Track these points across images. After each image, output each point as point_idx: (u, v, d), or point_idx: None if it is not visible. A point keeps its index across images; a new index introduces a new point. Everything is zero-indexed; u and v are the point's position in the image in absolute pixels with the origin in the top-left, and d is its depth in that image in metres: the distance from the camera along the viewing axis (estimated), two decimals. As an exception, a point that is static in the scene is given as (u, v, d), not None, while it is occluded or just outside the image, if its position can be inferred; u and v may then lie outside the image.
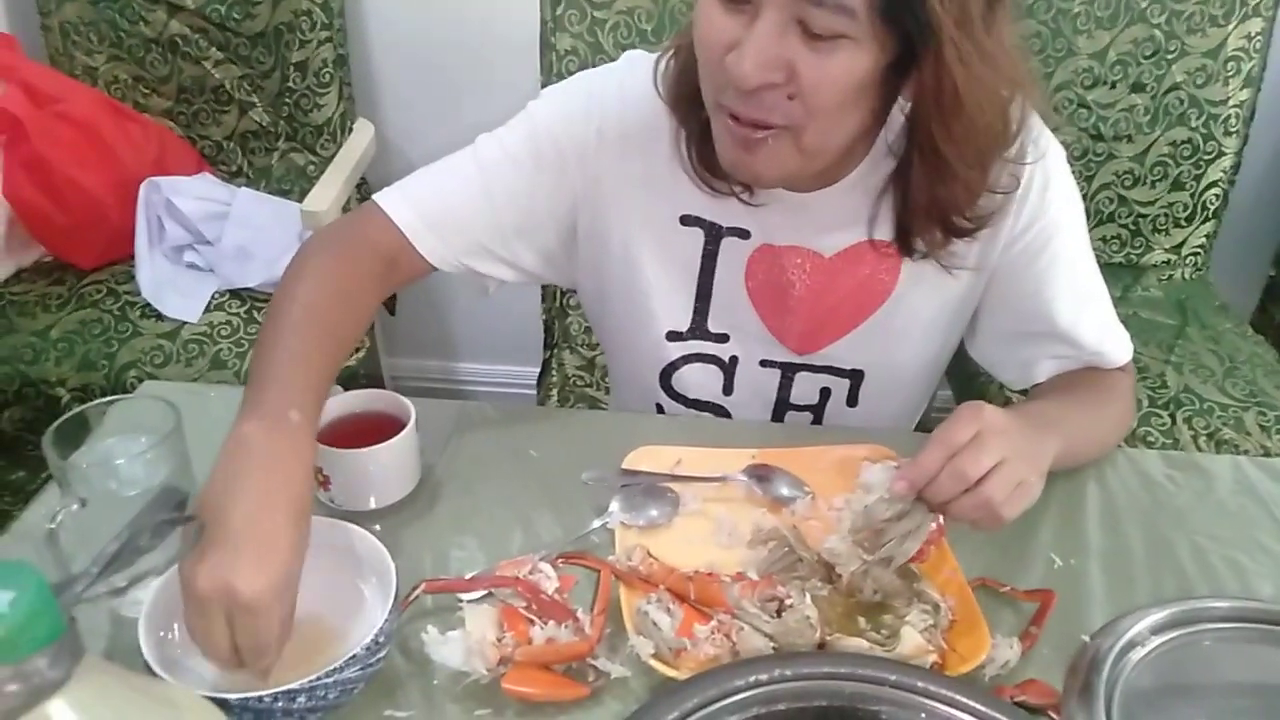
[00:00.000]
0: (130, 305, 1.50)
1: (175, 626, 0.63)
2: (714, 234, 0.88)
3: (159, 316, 1.49)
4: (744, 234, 0.87)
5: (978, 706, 0.56)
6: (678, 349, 0.94)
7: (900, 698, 0.57)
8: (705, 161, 0.83)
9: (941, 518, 0.69)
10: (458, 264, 0.88)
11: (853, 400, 0.96)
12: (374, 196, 0.87)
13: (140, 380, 1.41)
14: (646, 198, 0.87)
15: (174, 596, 0.59)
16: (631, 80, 0.85)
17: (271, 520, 0.60)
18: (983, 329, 0.94)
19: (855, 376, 0.94)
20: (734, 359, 0.94)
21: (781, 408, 0.97)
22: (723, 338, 0.93)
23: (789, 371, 0.94)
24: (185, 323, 1.48)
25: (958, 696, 0.57)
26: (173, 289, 1.53)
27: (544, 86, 1.42)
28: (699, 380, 0.95)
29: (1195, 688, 0.61)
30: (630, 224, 0.89)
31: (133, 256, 1.55)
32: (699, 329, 0.93)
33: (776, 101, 0.70)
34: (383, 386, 1.97)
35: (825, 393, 0.96)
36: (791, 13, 0.66)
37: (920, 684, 0.57)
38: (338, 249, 0.84)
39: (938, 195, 0.78)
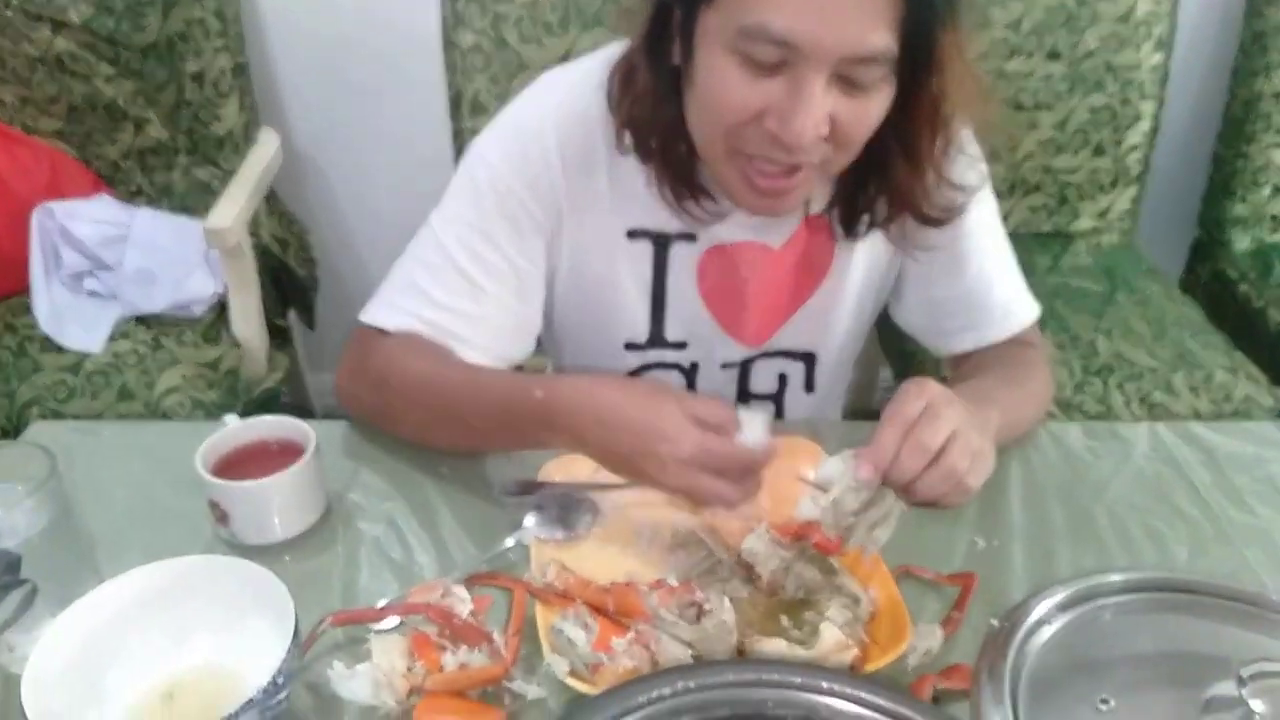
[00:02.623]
0: (29, 339, 1.43)
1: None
2: (661, 243, 0.88)
3: (60, 349, 1.42)
4: (690, 238, 0.87)
5: (882, 703, 0.55)
6: (637, 359, 0.94)
7: (806, 700, 0.56)
8: (677, 191, 0.83)
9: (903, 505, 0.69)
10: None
11: (810, 385, 0.98)
12: (365, 320, 0.86)
13: (44, 417, 1.34)
14: (592, 216, 0.86)
15: (60, 652, 0.56)
16: (557, 105, 0.83)
17: (620, 402, 0.70)
18: (907, 294, 0.96)
19: (808, 360, 0.96)
20: (694, 365, 0.95)
21: (744, 398, 0.98)
22: (680, 345, 0.94)
23: (746, 364, 0.96)
24: (89, 354, 1.42)
25: (862, 694, 0.56)
26: (73, 319, 1.46)
27: (450, 84, 1.40)
28: None
29: (1099, 661, 0.62)
30: (579, 244, 0.87)
31: (28, 288, 1.48)
32: (657, 338, 0.93)
33: (816, 146, 0.73)
34: (308, 404, 1.93)
35: (783, 379, 0.98)
36: (834, 72, 0.69)
37: (825, 684, 0.57)
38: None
39: (913, 190, 0.81)
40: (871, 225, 0.86)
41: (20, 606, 0.62)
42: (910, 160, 0.79)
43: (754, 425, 0.69)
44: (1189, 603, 0.69)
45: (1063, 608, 0.64)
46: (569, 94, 0.83)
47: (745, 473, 0.68)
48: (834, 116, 0.71)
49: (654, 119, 0.79)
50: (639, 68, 0.79)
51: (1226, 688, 0.60)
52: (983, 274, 0.91)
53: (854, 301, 0.94)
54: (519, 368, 0.91)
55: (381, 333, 0.85)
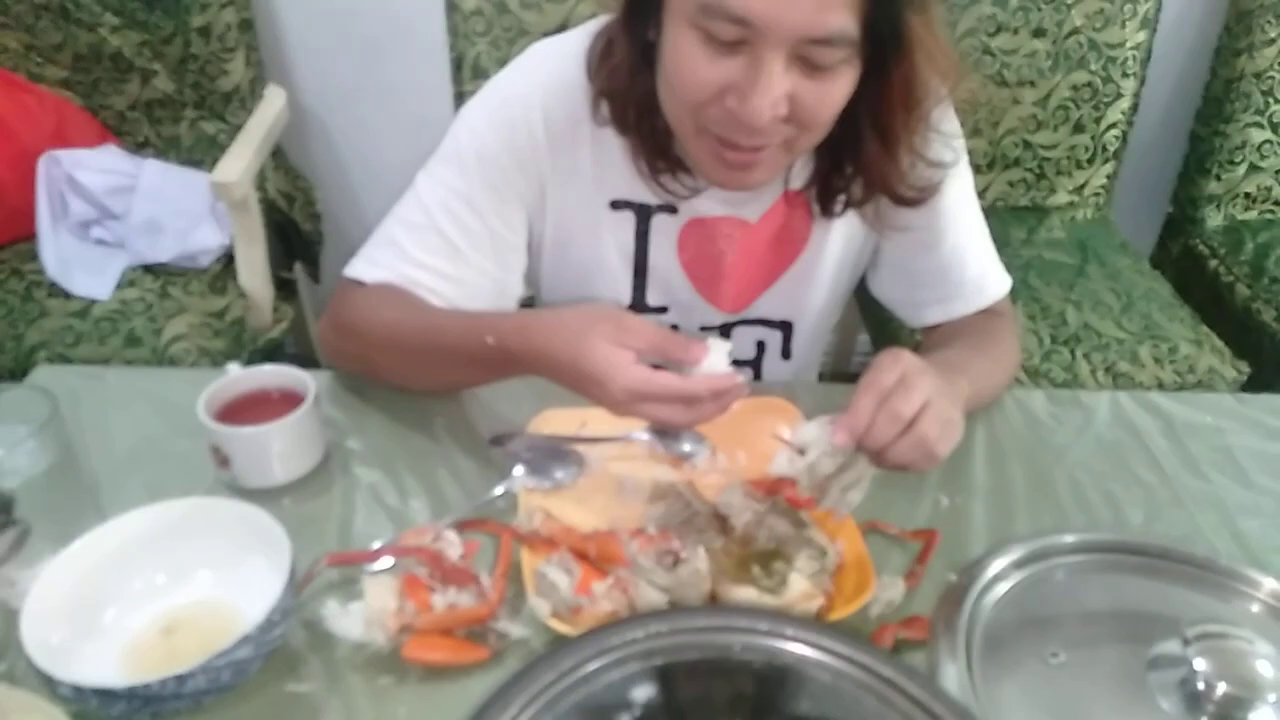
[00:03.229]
0: (36, 285, 1.46)
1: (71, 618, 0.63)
2: (644, 214, 0.90)
3: (67, 295, 1.45)
4: (672, 210, 0.90)
5: (843, 650, 0.59)
6: None
7: (772, 646, 0.60)
8: (653, 165, 0.84)
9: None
10: None
11: (786, 353, 1.01)
12: (346, 274, 0.89)
13: (52, 362, 1.38)
14: (576, 188, 0.88)
15: (59, 588, 0.59)
16: (544, 76, 0.85)
17: (553, 346, 0.72)
18: (883, 267, 0.98)
19: (785, 328, 0.98)
20: (674, 328, 0.97)
21: None
22: (661, 309, 0.96)
23: (725, 330, 0.98)
24: (96, 301, 1.45)
25: (825, 641, 0.60)
26: (80, 266, 1.49)
27: (452, 47, 1.41)
28: None
29: (1050, 617, 0.65)
30: (563, 213, 0.90)
31: (35, 234, 1.50)
32: (638, 305, 0.96)
33: (777, 127, 0.73)
34: (312, 354, 1.96)
35: (761, 346, 1.00)
36: (793, 52, 0.69)
37: (789, 630, 0.60)
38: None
39: (887, 171, 0.82)
40: (848, 205, 0.88)
41: (13, 546, 0.64)
42: (883, 140, 0.80)
43: (717, 354, 0.72)
44: (1139, 564, 0.72)
45: (1018, 565, 0.68)
46: (556, 65, 0.85)
47: (690, 399, 0.70)
48: (794, 97, 0.71)
49: (629, 92, 0.81)
50: (617, 41, 0.80)
51: (1172, 646, 0.63)
52: (957, 249, 0.93)
53: (830, 275, 0.96)
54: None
55: (360, 285, 0.88)
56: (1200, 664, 0.60)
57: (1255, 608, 0.68)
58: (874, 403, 0.70)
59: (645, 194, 0.88)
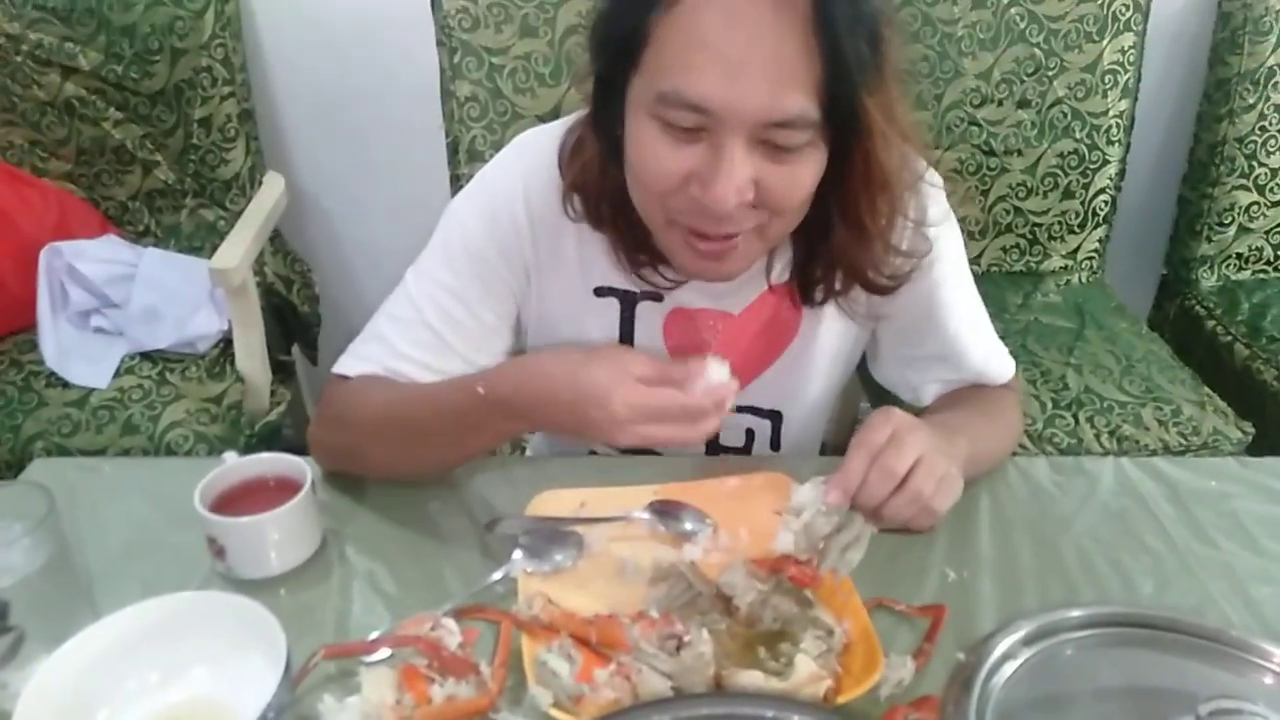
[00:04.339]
0: (34, 375, 1.47)
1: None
2: (629, 301, 0.90)
3: (66, 385, 1.45)
4: (657, 298, 0.90)
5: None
6: None
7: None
8: (633, 258, 0.84)
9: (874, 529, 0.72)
10: None
11: (775, 444, 0.99)
12: (336, 371, 0.90)
13: (49, 453, 1.37)
14: (561, 275, 0.89)
15: (52, 689, 0.58)
16: (530, 168, 0.86)
17: (551, 378, 0.74)
18: (882, 354, 0.97)
19: (775, 418, 0.97)
20: None
21: (712, 451, 0.99)
22: None
23: None
24: (94, 390, 1.45)
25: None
26: (79, 355, 1.49)
27: (447, 132, 1.45)
28: None
29: (1062, 696, 0.64)
30: (549, 300, 0.90)
31: (35, 325, 1.52)
32: None
33: (745, 213, 0.73)
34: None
35: (750, 434, 0.98)
36: (755, 136, 0.69)
37: (796, 717, 0.59)
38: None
39: (857, 259, 0.81)
40: (828, 295, 0.86)
41: (7, 653, 0.64)
42: (850, 227, 0.78)
43: (715, 368, 0.73)
44: (1150, 638, 0.70)
45: (1026, 642, 0.67)
46: (539, 157, 0.85)
47: (694, 415, 0.70)
48: (760, 182, 0.71)
49: (601, 188, 0.81)
50: (586, 137, 0.81)
51: (1186, 723, 0.61)
52: (959, 336, 0.91)
53: (822, 366, 0.95)
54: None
55: (345, 380, 0.88)
56: (1218, 740, 0.59)
57: (1269, 680, 0.66)
58: (865, 460, 0.70)
59: (629, 282, 0.88)
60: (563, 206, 0.84)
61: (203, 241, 1.73)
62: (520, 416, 0.77)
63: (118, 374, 1.48)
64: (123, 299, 1.56)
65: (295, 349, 1.85)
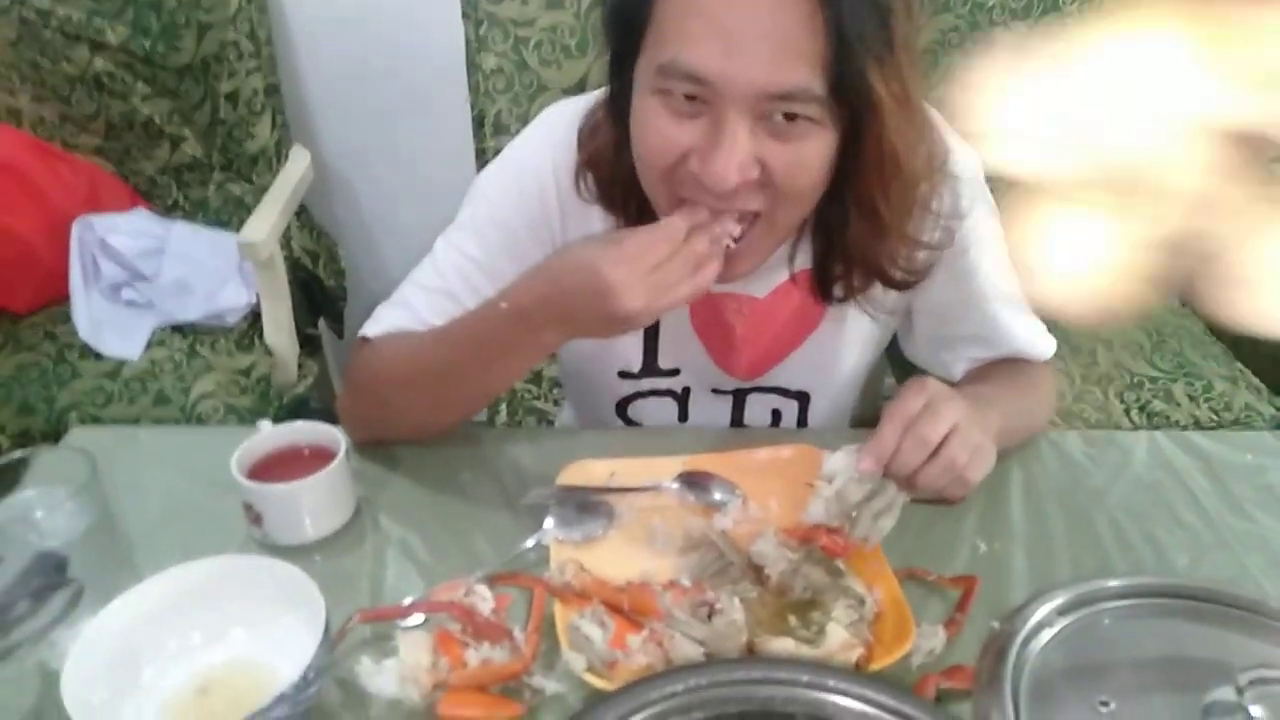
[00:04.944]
0: (68, 347, 1.49)
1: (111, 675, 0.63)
2: None
3: (99, 356, 1.47)
4: None
5: (887, 701, 0.58)
6: (630, 386, 0.96)
7: (814, 698, 0.59)
8: None
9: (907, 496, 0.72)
10: None
11: (803, 421, 0.98)
12: (360, 334, 0.90)
13: (83, 422, 1.39)
14: None
15: (98, 648, 0.59)
16: (558, 143, 0.85)
17: (562, 289, 0.74)
18: (918, 333, 0.95)
19: (802, 398, 0.97)
20: (686, 390, 0.96)
21: (737, 427, 0.99)
22: (673, 372, 0.95)
23: (740, 397, 0.96)
24: (126, 361, 1.47)
25: (867, 692, 0.59)
26: (111, 328, 1.51)
27: (473, 105, 1.44)
28: (654, 411, 0.98)
29: (1098, 665, 0.64)
30: None
31: (68, 297, 1.53)
32: (650, 367, 0.95)
33: (750, 192, 0.72)
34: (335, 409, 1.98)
35: (776, 415, 0.98)
36: (756, 111, 0.68)
37: (831, 682, 0.59)
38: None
39: (874, 253, 0.80)
40: (848, 294, 0.84)
41: (67, 605, 0.65)
42: (865, 217, 0.76)
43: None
44: (1188, 609, 0.70)
45: (1062, 611, 0.67)
46: (568, 132, 0.84)
47: (687, 259, 0.72)
48: (765, 161, 0.70)
49: (615, 171, 0.80)
50: (602, 120, 0.81)
51: (1225, 693, 0.61)
52: (998, 316, 0.89)
53: (853, 348, 0.93)
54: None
55: (368, 342, 0.89)
56: (1257, 710, 0.58)
57: None
58: (899, 428, 0.70)
59: None
60: (575, 185, 0.84)
61: (230, 215, 1.74)
62: (544, 325, 0.76)
63: (149, 346, 1.49)
64: (153, 272, 1.58)
65: (321, 323, 1.86)
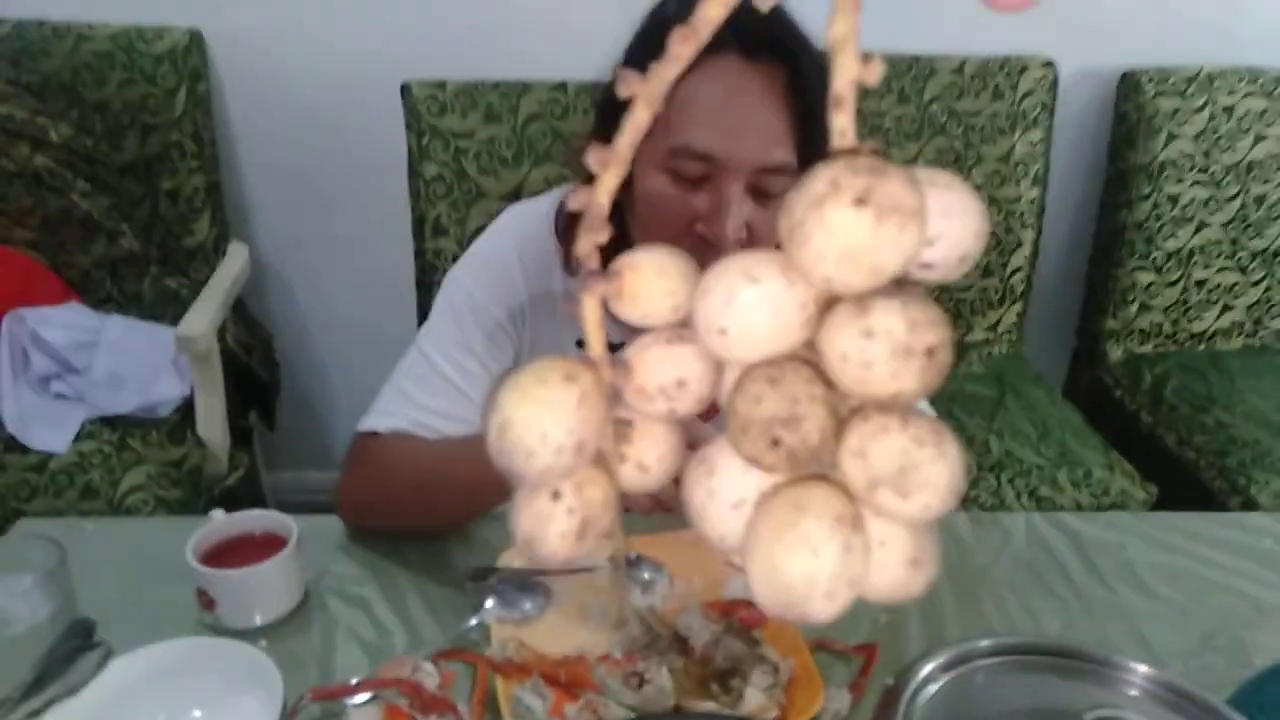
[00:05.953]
0: (-7, 440, 1.48)
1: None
2: (615, 350, 0.98)
3: (24, 450, 1.47)
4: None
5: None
6: None
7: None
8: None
9: None
10: None
11: None
12: (360, 428, 0.96)
13: (6, 518, 1.38)
14: (549, 325, 0.98)
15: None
16: (522, 233, 0.97)
17: None
18: None
19: None
20: None
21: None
22: None
23: None
24: (53, 455, 1.47)
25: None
26: (39, 420, 1.51)
27: (414, 209, 1.53)
28: None
29: (974, 715, 0.72)
30: (536, 349, 0.99)
31: (-4, 389, 1.53)
32: None
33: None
34: (264, 503, 1.98)
35: None
36: (749, 182, 0.83)
37: (749, 735, 0.66)
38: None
39: None
40: None
41: (97, 667, 0.68)
42: None
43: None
44: (1049, 664, 0.80)
45: (944, 668, 0.75)
46: (529, 223, 0.98)
47: None
48: (751, 225, 0.83)
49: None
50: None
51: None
52: None
53: None
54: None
55: (374, 436, 0.95)
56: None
57: (1134, 692, 0.76)
58: None
59: (616, 334, 0.97)
60: (564, 266, 0.95)
61: (163, 309, 1.76)
62: None
63: (78, 439, 1.50)
64: (84, 365, 1.59)
65: (252, 415, 1.88)
